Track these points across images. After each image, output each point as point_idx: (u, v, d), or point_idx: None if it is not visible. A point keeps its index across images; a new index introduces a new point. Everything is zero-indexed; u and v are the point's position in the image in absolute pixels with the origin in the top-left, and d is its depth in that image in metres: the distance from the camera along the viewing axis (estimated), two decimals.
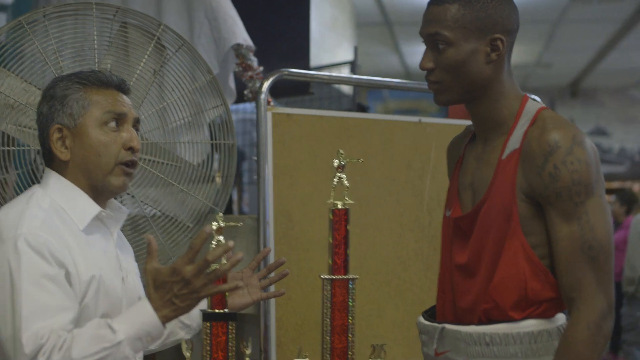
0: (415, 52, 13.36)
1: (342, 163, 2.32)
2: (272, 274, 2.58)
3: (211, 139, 2.93)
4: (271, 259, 2.91)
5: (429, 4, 2.12)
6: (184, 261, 1.95)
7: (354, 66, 5.46)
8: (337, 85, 5.67)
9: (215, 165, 2.93)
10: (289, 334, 2.97)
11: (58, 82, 2.20)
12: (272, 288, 2.74)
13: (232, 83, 3.67)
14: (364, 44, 11.71)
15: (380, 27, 11.49)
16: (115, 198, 2.36)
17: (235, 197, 6.86)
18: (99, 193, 2.20)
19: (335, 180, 2.31)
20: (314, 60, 7.43)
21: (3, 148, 2.57)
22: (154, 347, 2.47)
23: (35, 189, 2.18)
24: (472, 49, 2.07)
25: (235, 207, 6.74)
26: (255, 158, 3.31)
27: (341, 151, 2.33)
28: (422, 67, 2.12)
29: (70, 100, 2.15)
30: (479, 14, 2.06)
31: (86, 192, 2.17)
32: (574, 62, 14.40)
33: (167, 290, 1.97)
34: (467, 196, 2.16)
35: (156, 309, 1.96)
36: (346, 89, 5.90)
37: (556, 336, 2.03)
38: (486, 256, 2.07)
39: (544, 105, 2.11)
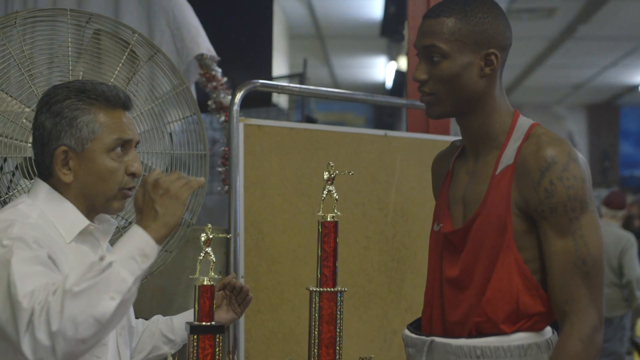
0: (344, 64, 13.47)
1: (332, 175, 2.32)
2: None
3: (171, 149, 2.89)
4: (240, 269, 2.90)
5: (425, 17, 2.14)
6: (151, 175, 1.96)
7: (303, 78, 5.47)
8: (277, 99, 5.67)
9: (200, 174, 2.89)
10: (257, 346, 2.96)
11: (65, 99, 2.13)
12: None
13: (193, 93, 3.64)
14: (296, 56, 11.74)
15: (312, 39, 11.53)
16: None
17: None
18: (94, 211, 2.18)
19: (325, 192, 2.31)
20: None
21: None
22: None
23: (24, 199, 2.15)
24: (467, 62, 2.09)
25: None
26: (219, 169, 3.29)
27: (331, 163, 2.33)
28: (415, 78, 2.13)
29: (80, 123, 2.10)
30: (475, 28, 2.08)
31: (81, 208, 2.15)
32: None
33: (148, 202, 1.94)
34: (458, 211, 2.18)
35: (144, 226, 1.91)
36: (284, 103, 5.92)
37: (545, 349, 2.06)
38: (479, 270, 2.08)
39: (535, 122, 2.14)
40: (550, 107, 16.68)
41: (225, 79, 3.47)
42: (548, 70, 13.46)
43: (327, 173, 2.32)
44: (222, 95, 3.43)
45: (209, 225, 2.23)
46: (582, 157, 2.05)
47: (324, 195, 2.31)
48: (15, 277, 1.87)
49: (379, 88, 14.37)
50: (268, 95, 4.21)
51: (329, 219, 2.29)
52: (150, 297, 3.24)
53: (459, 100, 2.11)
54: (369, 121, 16.33)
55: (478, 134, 2.15)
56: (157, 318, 2.52)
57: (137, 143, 2.22)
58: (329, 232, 2.29)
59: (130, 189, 2.18)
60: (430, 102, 2.14)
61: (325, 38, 11.52)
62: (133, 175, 2.17)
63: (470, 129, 2.16)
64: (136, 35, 2.78)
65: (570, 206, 1.99)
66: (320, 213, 2.29)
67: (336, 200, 2.29)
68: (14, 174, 2.63)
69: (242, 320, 2.90)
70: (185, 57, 3.49)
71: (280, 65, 9.36)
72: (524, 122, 2.13)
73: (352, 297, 3.22)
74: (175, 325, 2.46)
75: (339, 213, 2.30)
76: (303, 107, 5.21)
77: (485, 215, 2.08)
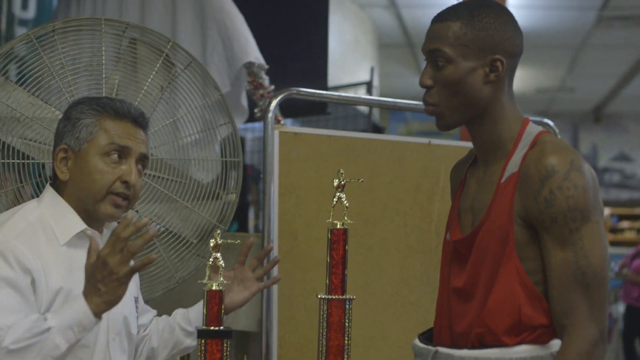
0: None
1: (342, 182, 2.32)
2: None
3: (222, 156, 2.93)
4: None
5: (432, 21, 2.12)
6: (105, 248, 1.98)
7: (370, 86, 5.46)
8: (354, 105, 5.68)
9: (232, 182, 2.93)
10: (290, 354, 2.96)
11: (77, 105, 2.27)
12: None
13: (244, 101, 3.69)
14: (386, 65, 11.74)
15: (402, 48, 11.51)
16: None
17: (252, 215, 6.88)
18: (91, 217, 2.25)
19: (335, 199, 2.31)
20: (334, 80, 7.46)
21: (14, 160, 2.58)
22: (161, 358, 2.49)
23: (30, 202, 2.26)
24: (471, 67, 2.06)
25: (251, 224, 6.75)
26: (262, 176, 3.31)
27: (341, 171, 2.32)
28: (421, 84, 2.12)
29: (81, 124, 2.23)
30: (480, 33, 2.05)
31: (79, 212, 2.23)
32: (597, 87, 14.37)
33: (92, 278, 1.99)
34: (467, 219, 2.15)
35: (87, 299, 1.99)
36: (363, 109, 5.92)
37: None
38: (482, 280, 2.05)
39: (544, 129, 2.09)
40: None
41: (272, 87, 3.49)
42: None
43: (337, 180, 2.31)
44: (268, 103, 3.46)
45: (218, 231, 2.26)
46: (587, 166, 1.99)
47: (334, 203, 2.30)
48: None
49: None
50: (324, 105, 4.22)
51: (338, 227, 2.28)
52: (183, 301, 3.28)
53: (464, 107, 2.08)
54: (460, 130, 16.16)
55: (486, 142, 2.12)
56: (176, 313, 2.58)
57: (144, 157, 2.28)
58: (338, 240, 2.28)
59: (119, 194, 2.23)
60: (435, 113, 2.12)
61: (416, 47, 11.48)
62: (126, 183, 2.21)
63: (478, 136, 2.13)
64: (170, 43, 2.83)
65: (570, 216, 1.94)
66: (330, 220, 2.29)
67: (346, 207, 2.28)
68: (51, 179, 2.72)
69: (274, 326, 2.92)
70: (235, 65, 3.52)
71: (367, 74, 9.38)
72: (532, 130, 2.08)
73: (393, 306, 3.20)
74: (192, 317, 2.51)
75: (349, 221, 2.29)
76: (369, 115, 5.21)
77: (489, 225, 2.04)
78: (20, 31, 5.92)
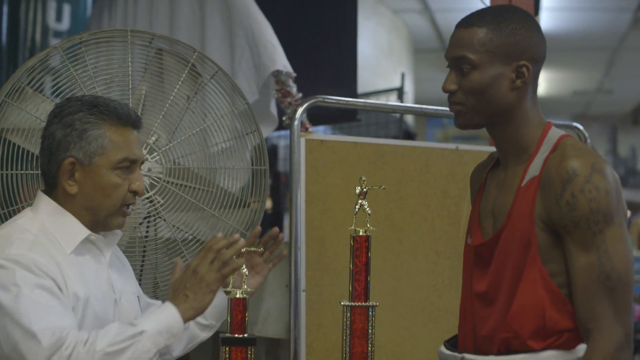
0: None
1: (364, 190, 2.33)
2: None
3: (252, 165, 2.95)
4: (302, 283, 2.92)
5: (457, 27, 2.11)
6: (196, 260, 2.14)
7: (400, 92, 5.47)
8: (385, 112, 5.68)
9: (259, 191, 2.95)
10: None
11: (77, 111, 2.21)
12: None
13: (273, 109, 3.70)
14: (421, 70, 11.73)
15: (437, 53, 11.49)
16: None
17: (287, 222, 6.88)
18: (95, 226, 2.26)
19: (357, 207, 2.32)
20: (370, 86, 7.47)
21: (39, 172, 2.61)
22: (177, 353, 2.51)
23: (26, 212, 2.24)
24: (497, 73, 2.06)
25: (286, 232, 6.76)
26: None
27: (363, 178, 2.33)
28: (444, 89, 2.12)
29: (90, 136, 2.18)
30: (506, 39, 2.05)
31: (82, 219, 2.22)
32: (635, 89, 14.24)
33: (181, 287, 2.12)
34: (488, 223, 2.15)
35: (176, 305, 2.09)
36: (395, 115, 5.92)
37: None
38: (505, 284, 2.05)
39: (566, 133, 2.09)
40: None
41: (300, 95, 3.51)
42: None
43: (359, 187, 2.32)
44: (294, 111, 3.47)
45: (242, 239, 2.27)
46: (610, 169, 1.98)
47: (357, 210, 2.32)
48: (25, 308, 1.98)
49: None
50: (353, 111, 4.23)
51: (361, 234, 2.29)
52: None
53: (488, 112, 2.09)
54: None
55: (508, 146, 2.12)
56: None
57: (142, 162, 2.31)
58: (360, 247, 2.30)
59: (129, 206, 2.26)
60: (459, 111, 2.12)
61: None
62: (135, 193, 2.23)
63: (500, 140, 2.13)
64: (196, 53, 2.86)
65: (593, 219, 1.93)
66: (352, 227, 2.30)
67: (369, 215, 2.30)
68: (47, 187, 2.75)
69: (302, 333, 2.92)
70: (263, 73, 3.54)
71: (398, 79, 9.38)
72: (554, 134, 2.08)
73: (422, 312, 3.20)
74: (207, 310, 2.51)
75: (372, 227, 2.30)
76: (400, 122, 5.21)
77: (510, 228, 2.04)
78: (54, 42, 5.99)
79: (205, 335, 2.55)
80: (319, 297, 2.98)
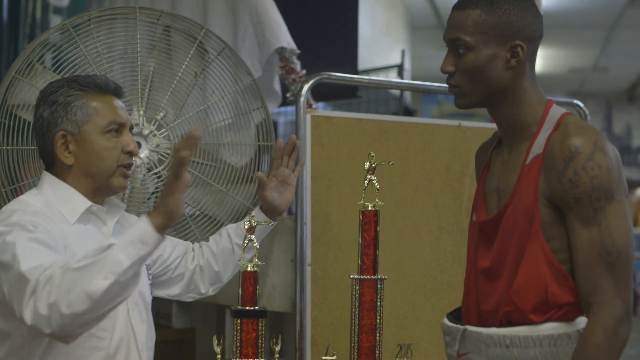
0: None
1: (373, 165, 2.37)
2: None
3: (258, 140, 2.99)
4: (307, 258, 2.97)
5: (453, 9, 2.17)
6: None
7: (401, 69, 5.49)
8: (385, 89, 5.71)
9: (266, 166, 2.99)
10: (324, 333, 3.02)
11: (59, 88, 2.31)
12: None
13: (277, 86, 3.74)
14: (418, 47, 11.73)
15: (434, 30, 11.50)
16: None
17: None
18: (99, 193, 2.34)
19: (366, 182, 2.36)
20: (366, 63, 7.49)
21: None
22: (226, 279, 2.70)
23: (30, 192, 2.33)
24: (492, 54, 2.11)
25: (292, 208, 6.79)
26: None
27: (372, 154, 2.37)
28: (442, 70, 2.18)
29: (74, 107, 2.28)
30: (500, 20, 2.09)
31: (86, 193, 2.31)
32: (631, 67, 14.28)
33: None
34: (492, 201, 2.19)
35: (149, 215, 2.01)
36: (395, 91, 5.94)
37: (576, 340, 2.04)
38: (509, 260, 2.10)
39: (568, 111, 2.13)
40: None
41: (304, 72, 3.54)
42: None
43: (367, 163, 2.36)
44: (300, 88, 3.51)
45: (253, 214, 2.32)
46: (611, 146, 2.03)
47: (365, 185, 2.36)
48: (18, 254, 2.02)
49: None
50: (354, 88, 4.26)
51: (369, 208, 2.33)
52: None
53: (485, 92, 2.14)
54: None
55: (509, 125, 2.17)
56: (227, 232, 2.74)
57: (132, 127, 2.37)
58: (369, 221, 2.34)
59: (125, 166, 2.33)
60: (457, 93, 2.17)
61: None
62: (130, 153, 2.32)
63: (501, 119, 2.18)
64: (203, 30, 2.88)
65: (594, 196, 1.98)
66: (361, 202, 2.34)
67: (377, 189, 2.34)
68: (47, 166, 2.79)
69: (308, 307, 2.97)
70: (267, 50, 3.57)
71: (398, 57, 9.39)
72: (556, 112, 2.12)
73: (424, 287, 3.25)
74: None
75: (380, 202, 2.34)
76: (400, 99, 5.24)
77: (515, 205, 2.09)
78: (54, 19, 6.01)
79: (249, 256, 2.51)
80: (324, 271, 3.03)
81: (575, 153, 1.99)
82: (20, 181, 2.65)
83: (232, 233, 2.73)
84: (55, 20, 5.97)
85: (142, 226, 1.97)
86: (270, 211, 2.78)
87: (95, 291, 1.91)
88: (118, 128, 2.31)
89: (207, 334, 3.75)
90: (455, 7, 2.16)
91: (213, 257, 2.71)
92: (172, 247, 2.65)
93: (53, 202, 2.27)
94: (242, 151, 2.97)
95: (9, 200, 2.64)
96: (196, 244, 2.74)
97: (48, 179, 2.33)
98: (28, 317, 1.94)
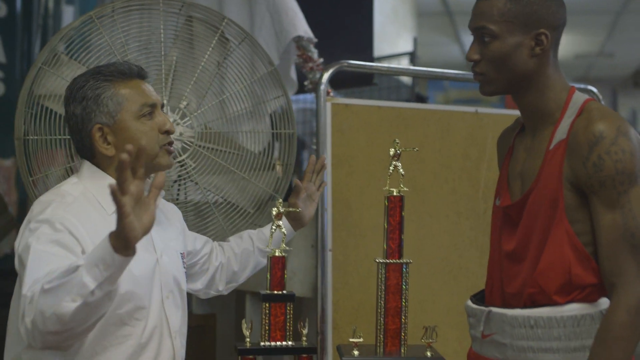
0: None
1: (398, 152, 2.41)
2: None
3: (272, 128, 3.04)
4: (328, 243, 3.01)
5: None
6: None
7: (413, 57, 5.53)
8: (396, 76, 5.75)
9: (276, 153, 3.04)
10: (344, 317, 3.07)
11: (85, 83, 2.30)
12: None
13: (293, 74, 3.77)
14: (425, 34, 11.75)
15: (441, 17, 11.52)
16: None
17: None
18: (146, 174, 2.31)
19: (391, 168, 2.41)
20: (376, 51, 7.52)
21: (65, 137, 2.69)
22: (242, 279, 2.75)
23: (70, 179, 2.34)
24: (517, 42, 2.15)
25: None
26: (315, 147, 3.41)
27: (397, 140, 2.42)
28: (468, 58, 2.22)
29: (104, 98, 2.28)
30: (525, 9, 2.14)
31: None
32: (637, 53, 14.27)
33: None
34: (516, 186, 2.24)
35: (109, 236, 1.91)
36: (405, 79, 5.98)
37: (599, 320, 2.09)
38: (533, 243, 2.14)
39: (590, 97, 2.17)
40: None
41: (321, 60, 3.57)
42: None
43: (393, 149, 2.41)
44: (317, 76, 3.54)
45: (280, 200, 2.36)
46: (634, 132, 2.07)
47: (391, 171, 2.40)
48: (28, 262, 2.05)
49: None
50: (370, 76, 4.31)
51: (395, 194, 2.38)
52: None
53: (510, 79, 2.18)
54: (502, 99, 16.15)
55: (533, 111, 2.21)
56: (249, 235, 2.76)
57: (162, 106, 2.40)
58: (394, 206, 2.38)
59: (169, 144, 2.34)
60: (482, 81, 2.21)
61: (454, 15, 11.49)
62: (167, 132, 2.33)
63: (525, 106, 2.22)
64: (225, 20, 2.93)
65: (618, 180, 2.03)
66: (387, 188, 2.39)
67: (402, 175, 2.38)
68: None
69: (329, 292, 3.02)
70: (284, 39, 3.60)
71: (407, 44, 9.42)
72: (578, 98, 2.17)
73: (442, 271, 3.30)
74: (269, 236, 2.63)
75: (405, 188, 2.39)
76: (413, 86, 5.28)
77: (539, 190, 2.13)
78: (67, 9, 6.04)
79: (265, 261, 2.60)
80: (345, 257, 3.08)
81: (599, 138, 2.04)
82: (46, 170, 2.69)
83: (254, 237, 2.76)
84: (68, 11, 6.01)
85: (103, 247, 1.91)
86: (295, 220, 2.82)
87: (64, 314, 1.90)
88: (151, 110, 2.31)
89: (226, 319, 3.81)
90: None
91: (234, 257, 2.74)
92: (202, 242, 2.68)
93: (91, 190, 2.28)
94: (259, 139, 3.01)
95: (35, 189, 2.69)
96: (216, 243, 2.77)
97: (88, 168, 2.32)
98: (22, 331, 1.99)
